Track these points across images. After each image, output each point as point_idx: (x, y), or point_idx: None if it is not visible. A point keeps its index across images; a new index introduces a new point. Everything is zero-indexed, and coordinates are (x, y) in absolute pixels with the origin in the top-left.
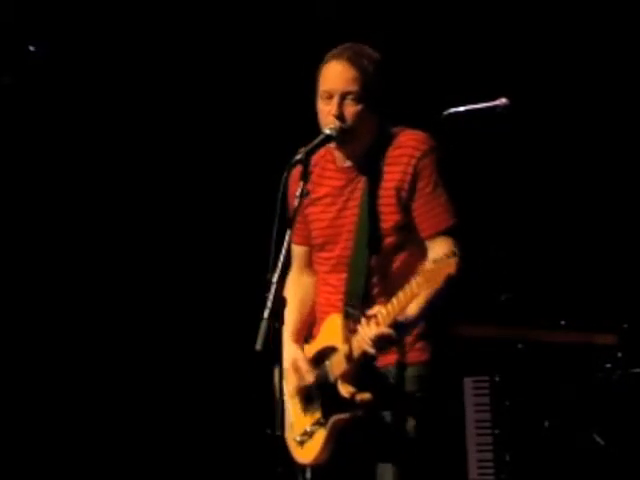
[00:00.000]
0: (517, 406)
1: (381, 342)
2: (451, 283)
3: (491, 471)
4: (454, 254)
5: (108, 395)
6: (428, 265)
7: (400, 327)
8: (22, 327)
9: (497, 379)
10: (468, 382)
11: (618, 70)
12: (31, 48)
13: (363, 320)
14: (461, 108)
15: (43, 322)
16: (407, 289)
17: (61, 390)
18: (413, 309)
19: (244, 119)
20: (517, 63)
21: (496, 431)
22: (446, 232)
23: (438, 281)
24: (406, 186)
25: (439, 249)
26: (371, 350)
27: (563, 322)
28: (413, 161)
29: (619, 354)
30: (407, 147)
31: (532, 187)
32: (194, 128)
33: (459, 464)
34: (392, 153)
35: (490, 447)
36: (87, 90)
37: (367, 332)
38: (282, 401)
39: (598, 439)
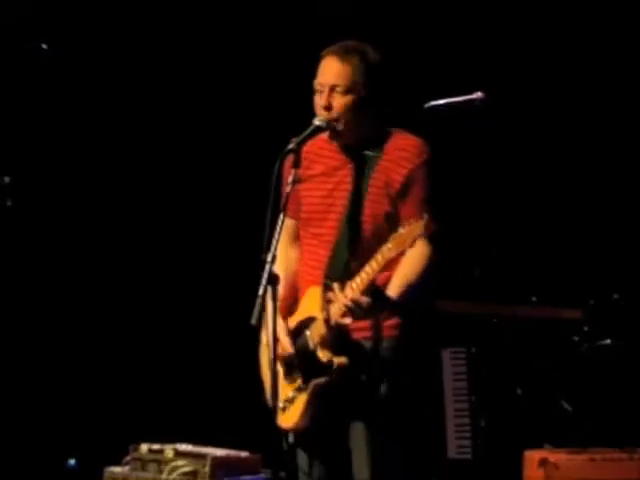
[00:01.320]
0: (492, 375)
1: (355, 308)
2: (429, 261)
3: (468, 435)
4: (422, 218)
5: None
6: (398, 231)
7: (375, 294)
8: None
9: (473, 350)
10: (446, 353)
11: (593, 62)
12: (44, 46)
13: (336, 286)
14: (440, 101)
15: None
16: (379, 255)
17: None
18: (393, 288)
19: (240, 112)
20: (493, 58)
21: (472, 398)
22: (428, 234)
23: (408, 242)
24: (398, 186)
25: (416, 250)
26: (346, 318)
27: (534, 298)
28: (411, 167)
29: (585, 328)
30: (407, 151)
31: (505, 172)
32: (192, 118)
33: (439, 429)
34: (391, 151)
35: (467, 413)
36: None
37: (341, 298)
38: (274, 371)
39: (566, 405)
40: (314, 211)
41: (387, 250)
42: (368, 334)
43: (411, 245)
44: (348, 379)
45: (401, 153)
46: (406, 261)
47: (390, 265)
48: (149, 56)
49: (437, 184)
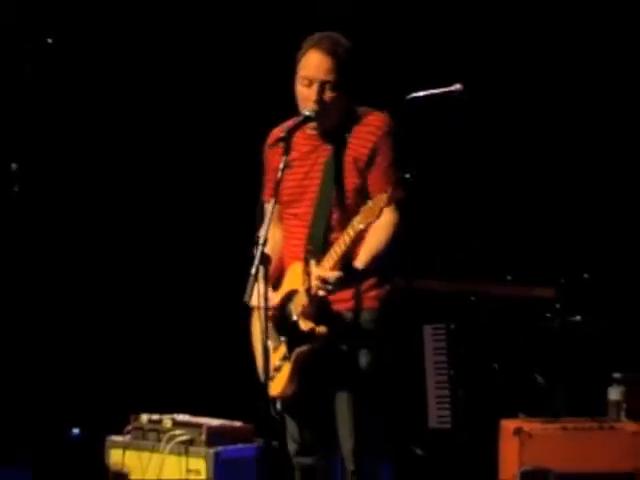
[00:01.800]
0: (470, 350)
1: (325, 284)
2: (396, 228)
3: (447, 405)
4: (386, 191)
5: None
6: (367, 204)
7: (346, 268)
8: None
9: (453, 327)
10: (427, 329)
11: (564, 54)
12: (49, 40)
13: (312, 263)
14: (421, 93)
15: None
16: (349, 229)
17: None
18: (360, 259)
19: (237, 103)
20: (470, 52)
21: (451, 371)
22: (393, 202)
23: (375, 214)
24: (364, 158)
25: (382, 218)
26: (321, 291)
27: (509, 277)
28: (374, 139)
29: (557, 305)
30: (371, 125)
31: (482, 158)
32: (188, 106)
33: (420, 400)
34: (357, 129)
35: (446, 385)
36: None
37: (316, 272)
38: (266, 343)
39: (539, 378)
40: (293, 193)
41: (357, 223)
42: (349, 305)
43: (378, 216)
44: (329, 348)
45: (366, 128)
46: (373, 231)
47: (363, 235)
48: (148, 52)
49: (401, 153)
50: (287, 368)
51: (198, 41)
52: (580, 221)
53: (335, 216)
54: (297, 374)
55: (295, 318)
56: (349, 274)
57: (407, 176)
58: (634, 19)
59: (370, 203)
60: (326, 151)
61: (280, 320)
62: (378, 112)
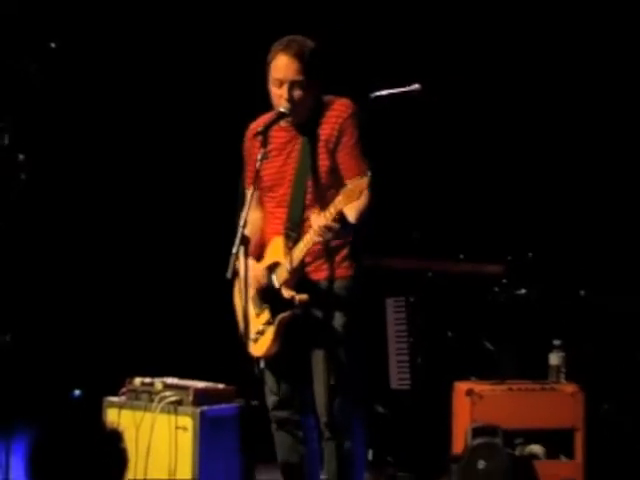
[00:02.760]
0: (427, 320)
1: (326, 231)
2: (366, 207)
3: (407, 369)
4: (365, 174)
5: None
6: (347, 186)
7: (342, 222)
8: None
9: (412, 300)
10: (389, 302)
11: (514, 53)
12: (52, 45)
13: (315, 212)
14: (384, 92)
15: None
16: (332, 207)
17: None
18: (351, 214)
19: (220, 98)
20: (428, 54)
21: (411, 339)
22: (363, 174)
23: (356, 196)
24: (333, 139)
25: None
26: (317, 238)
27: (462, 256)
28: (340, 120)
29: (504, 280)
30: (336, 110)
31: (437, 147)
32: (180, 100)
33: (382, 365)
34: (325, 115)
35: (406, 351)
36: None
37: (318, 220)
38: (245, 310)
39: (488, 345)
40: (273, 179)
41: (338, 202)
42: (325, 274)
43: (359, 198)
44: (307, 313)
45: (332, 112)
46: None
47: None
48: (147, 50)
49: (363, 131)
50: (270, 331)
51: (184, 43)
52: (525, 206)
53: (309, 196)
54: (279, 336)
55: (277, 286)
56: (344, 226)
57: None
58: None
59: (350, 185)
60: (300, 140)
61: (263, 288)
62: (341, 99)
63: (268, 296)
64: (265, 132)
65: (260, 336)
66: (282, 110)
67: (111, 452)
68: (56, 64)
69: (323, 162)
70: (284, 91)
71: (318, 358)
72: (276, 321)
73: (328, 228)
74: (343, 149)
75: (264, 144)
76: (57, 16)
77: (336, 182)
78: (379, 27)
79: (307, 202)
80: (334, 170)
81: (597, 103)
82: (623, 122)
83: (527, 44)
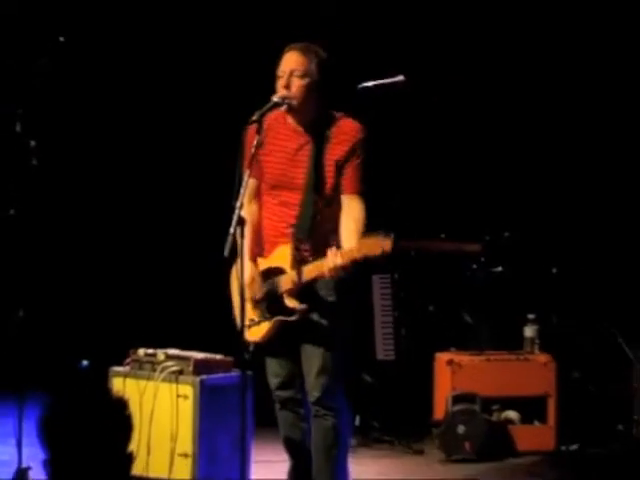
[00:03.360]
0: (410, 295)
1: (338, 270)
2: (365, 213)
3: (392, 341)
4: (388, 237)
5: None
6: (366, 240)
7: (353, 265)
8: None
9: (396, 276)
10: (376, 278)
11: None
12: (61, 39)
13: (332, 251)
14: (370, 83)
15: None
16: (355, 248)
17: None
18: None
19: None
20: (412, 49)
21: (395, 313)
22: (361, 193)
23: (378, 251)
24: (343, 159)
25: (355, 205)
26: (328, 274)
27: (443, 235)
28: (352, 145)
29: (482, 258)
30: (350, 133)
31: (420, 135)
32: (178, 91)
33: (369, 337)
34: (337, 132)
35: (391, 325)
36: None
37: (334, 260)
38: (242, 296)
39: (467, 318)
40: (279, 181)
41: (358, 251)
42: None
43: (377, 253)
44: (304, 318)
45: (345, 136)
46: (355, 217)
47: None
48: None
49: (369, 158)
50: (265, 325)
51: (186, 42)
52: (502, 191)
53: (317, 205)
54: (273, 332)
55: (280, 293)
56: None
57: None
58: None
59: (371, 240)
60: (308, 146)
61: (265, 288)
62: (354, 121)
63: (269, 295)
64: (259, 120)
65: (254, 325)
66: (275, 99)
67: (117, 418)
68: (64, 57)
69: (330, 179)
70: (283, 80)
71: (309, 347)
72: (273, 321)
73: (343, 268)
74: (349, 167)
75: (258, 131)
76: (65, 12)
77: (338, 195)
78: (368, 21)
79: (315, 211)
80: (339, 185)
81: (572, 86)
82: (592, 105)
83: (501, 26)
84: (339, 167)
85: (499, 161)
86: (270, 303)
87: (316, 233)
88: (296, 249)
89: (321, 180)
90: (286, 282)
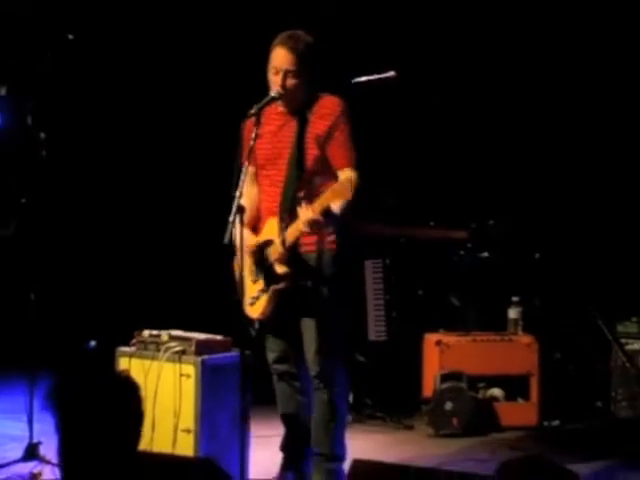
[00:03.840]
0: (401, 280)
1: (312, 224)
2: (351, 200)
3: (383, 323)
4: (350, 181)
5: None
6: (335, 185)
7: (327, 215)
8: None
9: (388, 262)
10: (368, 263)
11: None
12: (70, 37)
13: (303, 205)
14: (363, 78)
15: None
16: (322, 198)
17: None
18: (334, 209)
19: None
20: (403, 45)
21: (387, 297)
22: (350, 165)
23: (344, 193)
24: (324, 133)
25: (343, 175)
26: (305, 228)
27: (432, 223)
28: (332, 117)
29: (469, 245)
30: (330, 107)
31: (410, 127)
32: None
33: (362, 319)
34: (318, 109)
35: (383, 307)
36: None
37: (306, 214)
38: (242, 277)
39: (454, 300)
40: (266, 159)
41: (325, 199)
42: (313, 248)
43: (345, 196)
44: (298, 285)
45: (325, 110)
46: (338, 181)
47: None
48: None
49: (351, 128)
50: (265, 298)
51: (190, 38)
52: (487, 181)
53: (301, 179)
54: (273, 303)
55: (271, 262)
56: (329, 218)
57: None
58: None
59: (338, 183)
60: (293, 127)
61: (259, 260)
62: (333, 96)
63: (262, 267)
64: (258, 114)
65: (256, 300)
66: (273, 94)
67: (131, 400)
68: (72, 53)
69: (312, 152)
70: (278, 78)
71: (308, 321)
72: (270, 291)
73: (315, 221)
74: (334, 142)
75: (257, 124)
76: (73, 11)
77: (324, 170)
78: (368, 21)
79: (298, 187)
80: (322, 159)
81: (554, 76)
82: (571, 95)
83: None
84: (320, 143)
85: (485, 155)
86: (266, 276)
87: (298, 205)
88: (281, 220)
89: (304, 155)
90: (275, 250)
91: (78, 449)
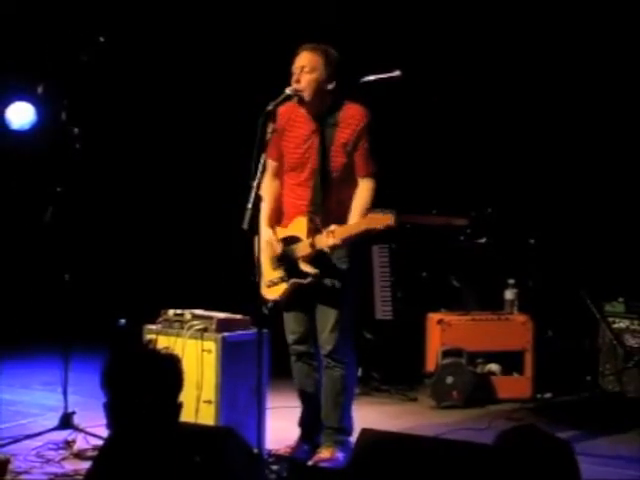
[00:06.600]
0: (406, 263)
1: (333, 248)
2: (373, 193)
3: (389, 303)
4: (391, 212)
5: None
6: (372, 215)
7: (346, 241)
8: None
9: (393, 246)
10: (375, 248)
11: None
12: (101, 39)
13: (325, 233)
14: (371, 77)
15: None
16: (354, 224)
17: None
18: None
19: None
20: (408, 46)
21: (392, 278)
22: (371, 175)
23: (376, 226)
24: (351, 142)
25: (364, 186)
26: (327, 250)
27: (434, 211)
28: (359, 127)
29: (468, 231)
30: (357, 117)
31: (415, 123)
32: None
33: (369, 299)
34: (344, 117)
35: (389, 288)
36: None
37: (326, 242)
38: (259, 260)
39: (455, 282)
40: (295, 163)
41: (355, 227)
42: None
43: (375, 230)
44: (318, 282)
45: (351, 119)
46: (362, 196)
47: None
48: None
49: (375, 138)
50: (282, 287)
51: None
52: (486, 172)
53: (328, 183)
54: (290, 292)
55: (296, 258)
56: (346, 242)
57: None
58: None
59: (374, 215)
60: (321, 134)
61: (283, 252)
62: (359, 106)
63: (284, 259)
64: (273, 110)
65: (273, 285)
66: (287, 91)
67: (172, 371)
68: (103, 55)
69: (340, 159)
70: (295, 75)
71: (323, 306)
72: (290, 283)
73: (336, 247)
74: (359, 151)
75: (273, 119)
76: (105, 15)
77: (350, 175)
78: (368, 21)
79: (327, 188)
80: (348, 166)
81: (548, 70)
82: (566, 91)
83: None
84: (348, 151)
85: (484, 147)
86: (288, 267)
87: (326, 209)
88: (310, 221)
89: (330, 162)
90: (302, 249)
91: (130, 419)
